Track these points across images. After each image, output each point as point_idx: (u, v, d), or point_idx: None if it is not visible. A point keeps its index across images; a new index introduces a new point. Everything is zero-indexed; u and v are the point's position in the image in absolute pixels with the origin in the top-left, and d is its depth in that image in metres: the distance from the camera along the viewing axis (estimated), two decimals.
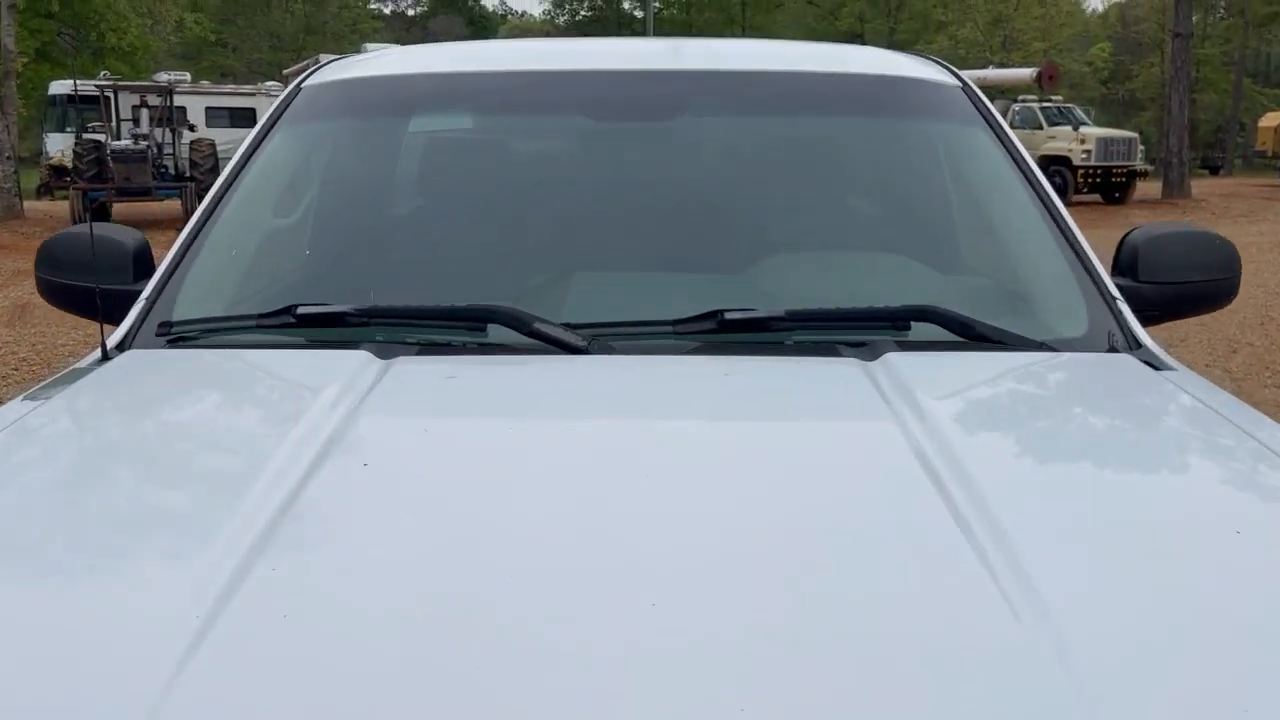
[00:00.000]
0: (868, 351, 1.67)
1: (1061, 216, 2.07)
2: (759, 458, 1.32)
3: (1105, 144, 24.75)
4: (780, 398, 1.53)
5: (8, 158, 19.39)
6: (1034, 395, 1.64)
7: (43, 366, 8.02)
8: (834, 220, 2.20)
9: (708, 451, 1.32)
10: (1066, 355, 1.75)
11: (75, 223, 16.76)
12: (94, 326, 1.96)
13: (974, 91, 2.35)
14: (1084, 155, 24.50)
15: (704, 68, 2.30)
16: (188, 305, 1.92)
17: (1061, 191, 19.63)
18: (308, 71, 2.49)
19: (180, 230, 2.15)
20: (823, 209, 2.22)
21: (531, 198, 2.15)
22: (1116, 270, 2.07)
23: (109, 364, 1.73)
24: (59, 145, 24.11)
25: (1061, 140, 24.84)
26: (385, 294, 1.99)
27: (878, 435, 1.41)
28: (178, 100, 21.61)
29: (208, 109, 25.08)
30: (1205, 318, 2.08)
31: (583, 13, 62.02)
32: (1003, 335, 1.73)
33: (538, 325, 1.69)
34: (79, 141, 20.13)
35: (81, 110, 23.00)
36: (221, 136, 21.09)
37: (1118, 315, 1.90)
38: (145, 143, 19.29)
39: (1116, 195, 24.86)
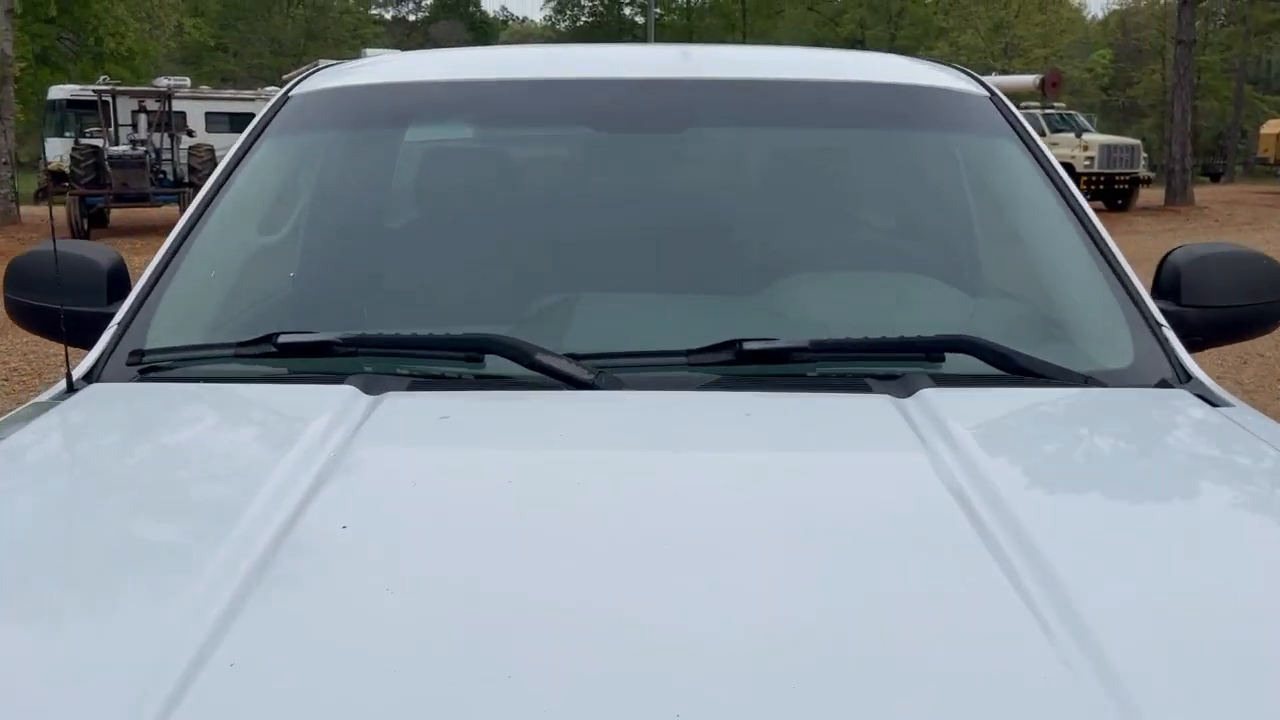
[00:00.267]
0: (900, 387, 1.53)
1: (1100, 235, 1.93)
2: (790, 518, 1.17)
3: (1108, 151, 24.63)
4: (810, 445, 1.39)
5: (4, 163, 19.26)
6: (1089, 440, 1.49)
7: (34, 376, 7.89)
8: (854, 239, 2.07)
9: (732, 514, 1.17)
10: (1117, 392, 1.61)
11: (72, 228, 16.67)
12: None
13: (1002, 101, 2.21)
14: (1087, 162, 24.36)
15: (715, 76, 2.16)
16: (162, 332, 1.78)
17: None
18: (301, 77, 2.35)
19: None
20: (842, 227, 2.09)
21: (533, 215, 2.01)
22: (1157, 293, 1.94)
23: (71, 399, 1.59)
24: (58, 150, 23.98)
25: (1064, 147, 24.70)
26: (376, 320, 1.86)
27: (920, 486, 1.27)
28: (177, 105, 21.46)
29: (207, 114, 24.94)
30: None
31: (583, 18, 61.91)
32: (1045, 369, 1.60)
33: (540, 357, 1.55)
34: (77, 147, 19.99)
35: (81, 115, 22.85)
36: (221, 142, 20.94)
37: (1164, 343, 1.76)
38: (143, 148, 19.14)
39: (1119, 202, 24.72)
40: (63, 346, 1.74)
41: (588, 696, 0.85)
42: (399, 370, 1.61)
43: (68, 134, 24.27)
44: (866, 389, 1.54)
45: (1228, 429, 1.48)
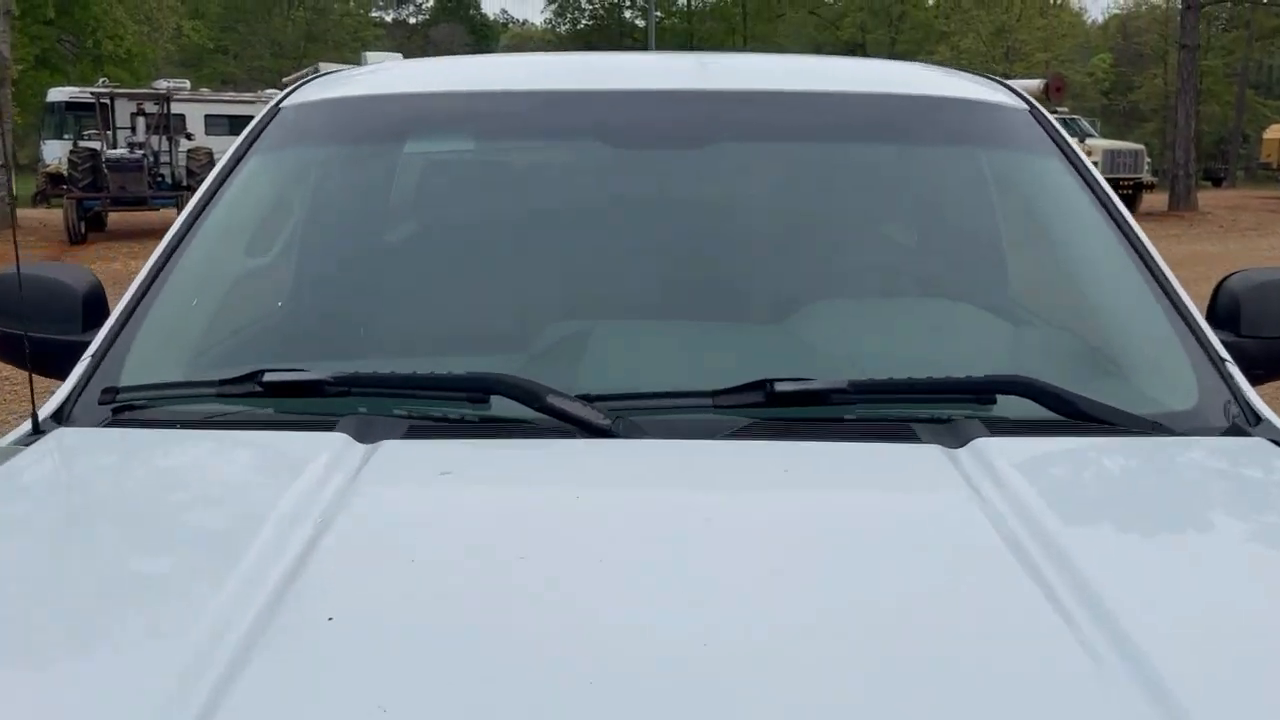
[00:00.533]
0: (950, 434, 1.38)
1: (1154, 260, 1.78)
2: (841, 603, 1.02)
3: (1112, 156, 24.48)
4: (857, 509, 1.23)
5: (2, 166, 19.11)
6: (1167, 504, 1.33)
7: (24, 384, 7.72)
8: (888, 264, 1.92)
9: (777, 601, 1.01)
10: (1190, 444, 1.46)
11: (69, 232, 16.54)
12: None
13: (1043, 115, 2.07)
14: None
15: (736, 87, 2.01)
16: (138, 366, 1.63)
17: None
18: (294, 86, 2.20)
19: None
20: (874, 251, 1.94)
21: (542, 239, 1.86)
22: (1213, 322, 1.79)
23: (34, 448, 1.43)
24: (56, 153, 23.83)
25: None
26: (374, 350, 1.72)
27: (983, 556, 1.11)
28: (176, 108, 21.29)
29: (207, 117, 24.80)
30: None
31: (584, 21, 61.77)
32: (1107, 414, 1.45)
33: (550, 399, 1.40)
34: (74, 150, 19.83)
35: (80, 118, 22.69)
36: (220, 145, 20.76)
37: (1229, 380, 1.61)
38: (141, 151, 18.98)
39: None
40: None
41: None
42: (396, 411, 1.46)
43: (66, 136, 24.13)
44: (913, 436, 1.39)
45: None
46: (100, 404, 1.55)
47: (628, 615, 0.98)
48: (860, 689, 0.89)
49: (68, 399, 1.59)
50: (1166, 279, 1.75)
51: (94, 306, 1.84)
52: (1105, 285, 1.83)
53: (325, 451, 1.29)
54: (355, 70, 2.34)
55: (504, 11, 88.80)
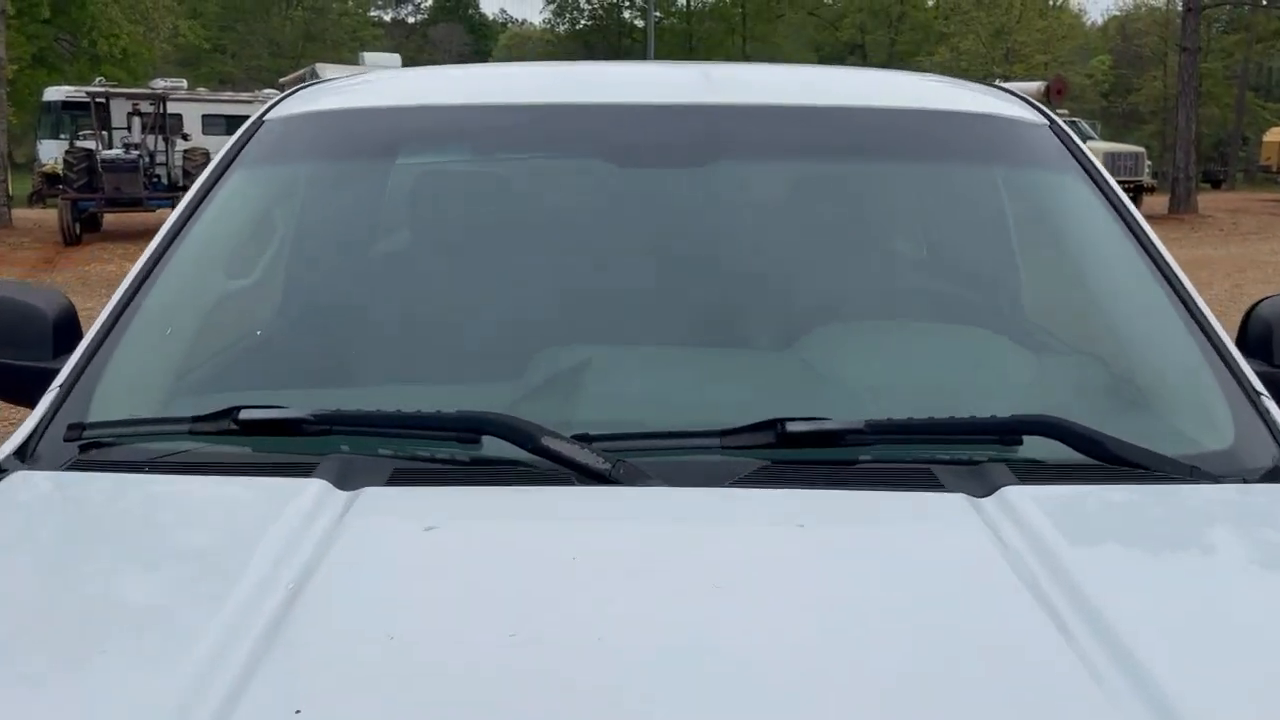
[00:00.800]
0: (974, 480, 1.29)
1: (1183, 286, 1.68)
2: (864, 679, 0.93)
3: (1112, 159, 24.40)
4: (880, 573, 1.13)
5: None
6: (1210, 561, 1.23)
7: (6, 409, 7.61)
8: (902, 288, 1.83)
9: (786, 681, 0.91)
10: (1228, 490, 1.36)
11: (64, 233, 16.47)
12: None
13: (1063, 130, 1.97)
14: None
15: (743, 101, 1.91)
16: (108, 399, 1.53)
17: None
18: (277, 100, 2.10)
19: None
20: (887, 275, 1.85)
21: (539, 263, 1.76)
22: (1243, 350, 1.69)
23: None
24: (53, 152, 23.71)
25: None
26: (361, 382, 1.62)
27: (1018, 623, 1.02)
28: (173, 108, 21.15)
29: (204, 117, 24.66)
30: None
31: (583, 21, 61.61)
32: (1140, 456, 1.35)
33: (545, 441, 1.30)
34: (70, 150, 19.69)
35: (76, 117, 22.54)
36: (217, 145, 20.60)
37: (1265, 416, 1.51)
38: (136, 151, 18.84)
39: None
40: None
41: None
42: (382, 451, 1.36)
43: (63, 136, 23.98)
44: (935, 483, 1.29)
45: None
46: (66, 441, 1.45)
47: (629, 707, 0.88)
48: None
49: (32, 435, 1.49)
50: (1196, 305, 1.66)
51: (65, 331, 1.74)
52: (1131, 312, 1.74)
53: (302, 502, 1.19)
54: (344, 80, 2.23)
55: (503, 11, 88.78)
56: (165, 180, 19.72)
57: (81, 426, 1.45)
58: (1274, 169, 36.46)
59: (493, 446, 1.33)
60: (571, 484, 1.28)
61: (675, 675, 0.92)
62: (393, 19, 72.15)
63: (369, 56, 20.02)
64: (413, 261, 1.88)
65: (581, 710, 0.88)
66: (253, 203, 1.91)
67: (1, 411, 6.13)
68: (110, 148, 19.05)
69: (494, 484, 1.30)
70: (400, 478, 1.30)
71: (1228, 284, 12.75)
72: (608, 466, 1.29)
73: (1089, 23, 64.24)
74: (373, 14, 67.62)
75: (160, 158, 19.79)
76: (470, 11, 73.82)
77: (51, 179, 21.98)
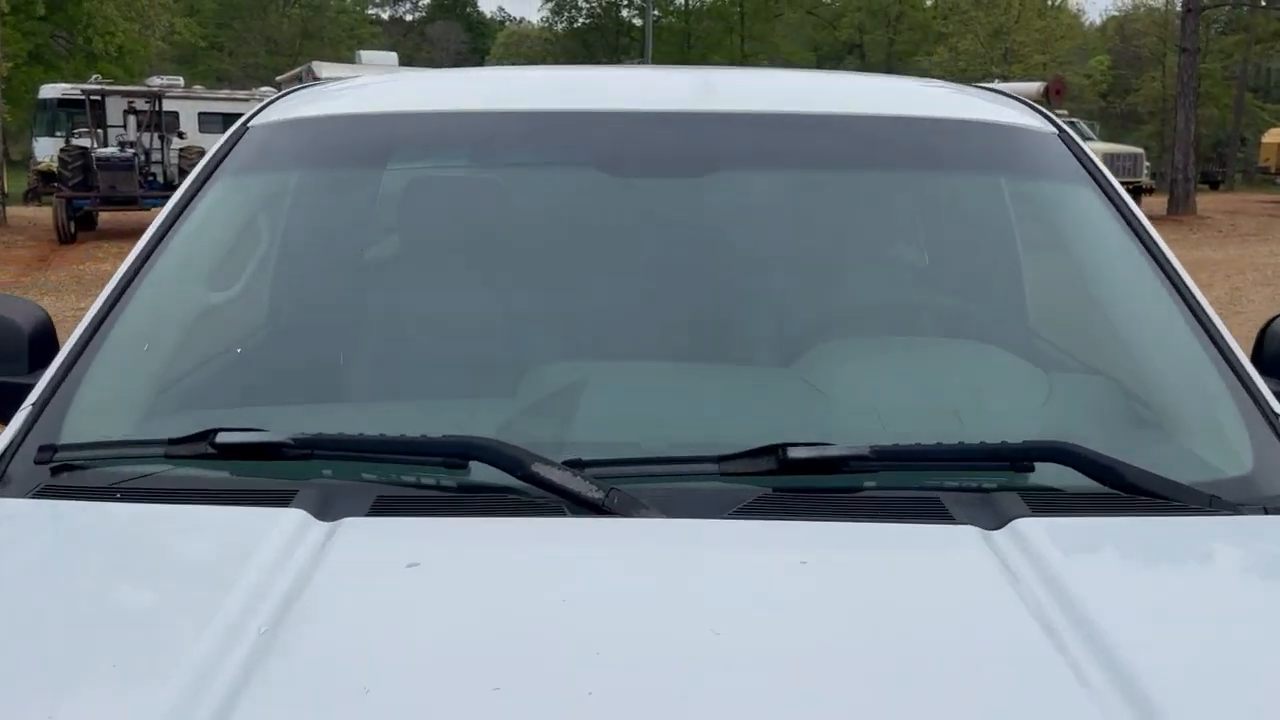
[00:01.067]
0: (986, 511, 1.23)
1: (1196, 301, 1.62)
2: None
3: (1111, 159, 24.38)
4: (886, 616, 1.07)
5: None
6: (1234, 601, 1.17)
7: None
8: (907, 303, 1.76)
9: None
10: (1250, 522, 1.29)
11: (59, 231, 16.37)
12: None
13: (1072, 139, 1.91)
14: None
15: (744, 109, 1.85)
16: (83, 419, 1.47)
17: None
18: (265, 103, 2.04)
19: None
20: (892, 290, 1.79)
21: (532, 278, 1.70)
22: (1259, 368, 1.63)
23: None
24: (48, 150, 23.62)
25: None
26: (346, 398, 1.56)
27: (1036, 672, 0.96)
28: (170, 106, 21.04)
29: (200, 114, 24.55)
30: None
31: (581, 20, 61.49)
32: (1157, 484, 1.29)
33: (535, 468, 1.24)
34: (65, 148, 19.59)
35: (72, 115, 22.44)
36: (213, 143, 20.49)
37: None
38: (132, 150, 18.75)
39: None
40: None
41: None
42: (366, 476, 1.30)
43: (58, 134, 23.89)
44: (944, 513, 1.23)
45: None
46: (37, 463, 1.39)
47: None
48: None
49: (2, 456, 1.43)
50: (1212, 323, 1.60)
51: (41, 345, 1.68)
52: (1144, 330, 1.68)
53: (278, 535, 1.13)
54: (331, 85, 2.17)
55: (500, 9, 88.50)
56: (161, 179, 19.62)
57: (53, 449, 1.39)
58: (1272, 170, 36.43)
59: (481, 472, 1.28)
60: (563, 514, 1.22)
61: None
62: (390, 17, 72.05)
63: (365, 55, 19.91)
64: (400, 275, 1.82)
65: None
66: (236, 212, 1.85)
67: None
68: (105, 146, 18.97)
69: (481, 513, 1.24)
70: (383, 506, 1.24)
71: (1227, 286, 12.70)
72: (601, 495, 1.23)
73: (1087, 23, 64.26)
74: (370, 12, 67.56)
75: (156, 156, 19.69)
76: (468, 9, 73.70)
77: (47, 177, 21.90)
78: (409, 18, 73.29)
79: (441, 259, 1.80)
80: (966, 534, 1.18)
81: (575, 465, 1.27)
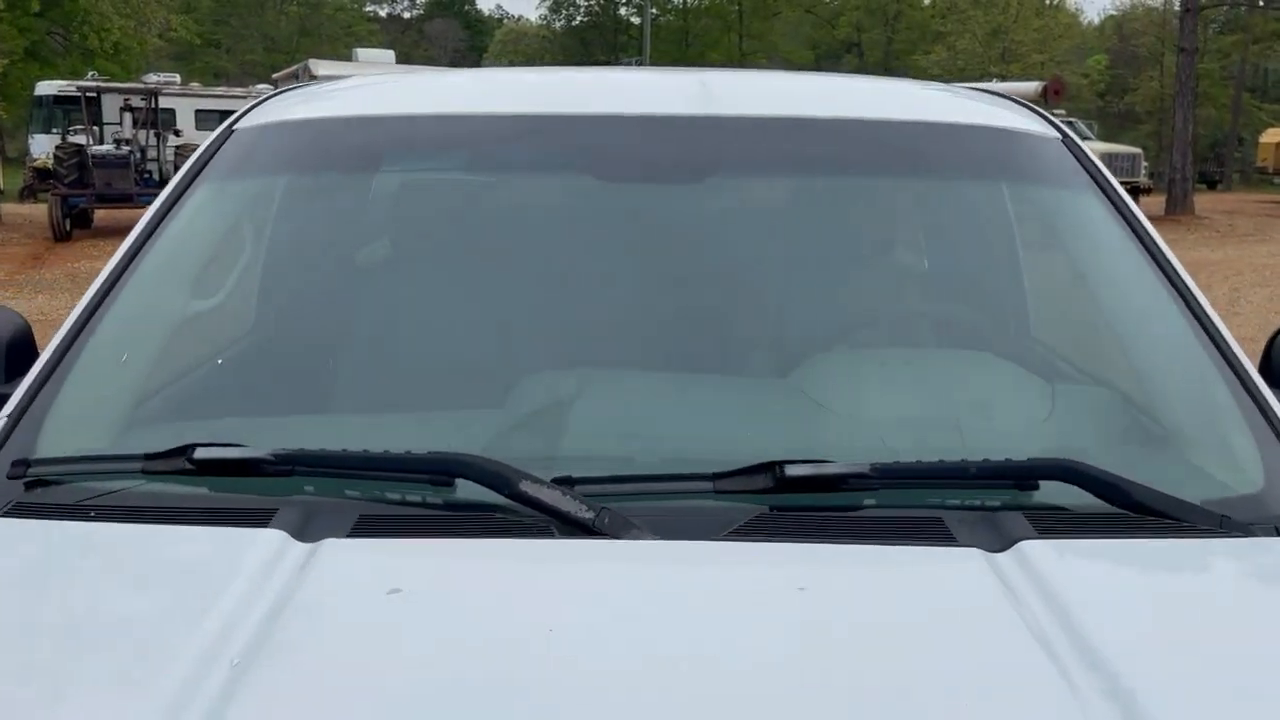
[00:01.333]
0: (990, 532, 1.19)
1: (1204, 312, 1.58)
2: None
3: (1109, 159, 24.31)
4: (886, 646, 1.03)
5: None
6: (1246, 629, 1.13)
7: None
8: (910, 314, 1.72)
9: None
10: (1267, 545, 1.25)
11: (54, 229, 16.30)
12: None
13: (1076, 144, 1.87)
14: None
15: (741, 113, 1.80)
16: (59, 433, 1.43)
17: None
18: (254, 103, 1.99)
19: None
20: (894, 299, 1.75)
21: (523, 287, 1.66)
22: (1267, 378, 1.59)
23: None
24: (44, 147, 23.53)
25: None
26: (332, 409, 1.52)
27: (1036, 700, 0.92)
28: (166, 103, 20.96)
29: (197, 112, 24.46)
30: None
31: (579, 18, 61.39)
32: (1165, 504, 1.25)
33: (523, 486, 1.20)
34: (61, 145, 19.52)
35: (69, 111, 22.36)
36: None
37: None
38: (128, 147, 18.68)
39: None
40: None
41: None
42: (349, 492, 1.26)
43: (54, 130, 23.82)
44: (947, 534, 1.19)
45: None
46: (10, 478, 1.34)
47: None
48: None
49: None
50: (1219, 333, 1.55)
51: (19, 353, 1.64)
52: (1149, 341, 1.64)
53: (255, 559, 1.09)
54: (319, 86, 2.12)
55: (498, 7, 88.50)
56: (157, 176, 19.53)
57: (26, 464, 1.35)
58: (1270, 170, 36.44)
59: (467, 490, 1.24)
60: (552, 535, 1.18)
61: None
62: (388, 14, 71.93)
63: (362, 53, 19.83)
64: (387, 283, 1.78)
65: None
66: (220, 218, 1.81)
67: None
68: (101, 143, 18.90)
69: (466, 534, 1.20)
70: (366, 526, 1.20)
71: (1225, 287, 12.67)
72: (591, 515, 1.18)
73: (1086, 22, 64.26)
74: (368, 9, 67.46)
75: (152, 153, 19.62)
76: (466, 7, 73.59)
77: (42, 174, 21.82)
78: (407, 15, 73.19)
79: (432, 267, 1.76)
80: (970, 557, 1.14)
81: (565, 483, 1.23)
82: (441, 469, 1.24)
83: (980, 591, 1.08)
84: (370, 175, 1.85)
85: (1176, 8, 32.03)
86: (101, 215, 19.42)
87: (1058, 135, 1.88)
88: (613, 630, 1.03)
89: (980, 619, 1.06)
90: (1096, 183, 1.78)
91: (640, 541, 1.16)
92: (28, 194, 23.76)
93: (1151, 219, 1.65)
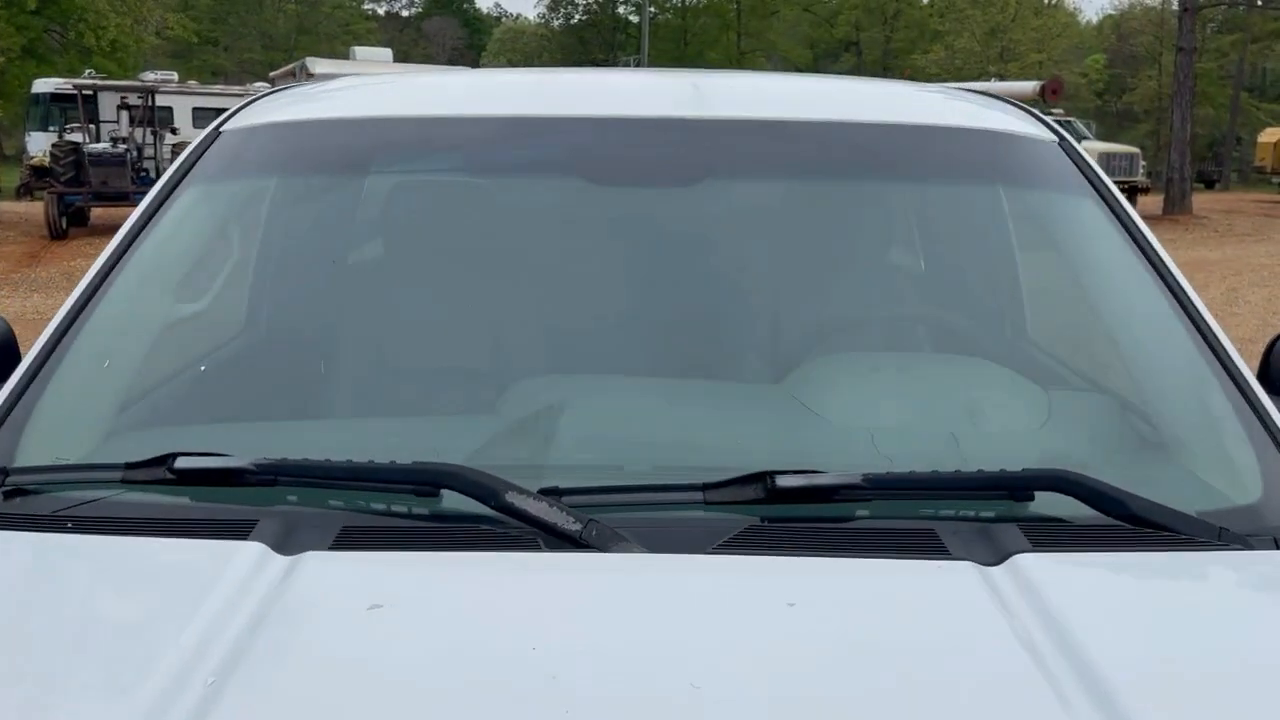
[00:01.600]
0: (984, 545, 1.17)
1: (1202, 319, 1.56)
2: None
3: (1107, 159, 24.33)
4: (877, 666, 1.01)
5: None
6: (1247, 649, 1.11)
7: None
8: (904, 320, 1.70)
9: None
10: (1266, 559, 1.23)
11: (50, 227, 16.26)
12: None
13: (1073, 148, 1.85)
14: None
15: (734, 115, 1.78)
16: (39, 440, 1.40)
17: None
18: (246, 103, 1.97)
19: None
20: (888, 304, 1.72)
21: (513, 291, 1.63)
22: (1265, 385, 1.57)
23: None
24: (41, 145, 23.49)
25: None
26: (319, 414, 1.50)
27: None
28: (163, 101, 20.92)
29: (194, 110, 24.42)
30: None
31: (578, 16, 61.32)
32: (1162, 515, 1.23)
33: (510, 497, 1.18)
34: (57, 143, 19.47)
35: (66, 109, 22.33)
36: None
37: None
38: (124, 145, 18.63)
39: None
40: None
41: None
42: (332, 503, 1.24)
43: (51, 128, 23.79)
44: (940, 547, 1.17)
45: None
46: None
47: None
48: None
49: None
50: (1218, 340, 1.53)
51: (2, 357, 1.61)
52: (1147, 348, 1.62)
53: (233, 574, 1.07)
54: (307, 87, 2.10)
55: (497, 5, 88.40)
56: (153, 174, 19.47)
57: (4, 472, 1.32)
58: (1268, 170, 36.45)
59: (453, 500, 1.21)
60: (538, 548, 1.16)
61: None
62: (386, 12, 71.82)
63: (360, 51, 19.80)
64: (375, 288, 1.75)
65: None
66: (206, 222, 1.78)
67: None
68: (98, 141, 18.85)
69: (451, 546, 1.17)
70: (349, 538, 1.18)
71: (1223, 287, 12.67)
72: (578, 528, 1.16)
73: (1084, 21, 64.25)
74: (366, 7, 67.38)
75: (149, 151, 19.57)
76: (464, 5, 73.51)
77: (39, 172, 21.78)
78: (405, 13, 73.10)
79: (422, 271, 1.74)
80: (963, 571, 1.12)
81: (552, 493, 1.21)
82: (426, 479, 1.22)
83: (974, 608, 1.06)
84: (358, 178, 1.83)
85: (1175, 7, 32.03)
86: (98, 213, 19.37)
87: (1055, 139, 1.85)
88: (598, 648, 1.01)
89: (973, 637, 1.04)
90: (1094, 187, 1.76)
91: (627, 555, 1.14)
92: (24, 192, 23.74)
93: (1149, 218, 1.63)
